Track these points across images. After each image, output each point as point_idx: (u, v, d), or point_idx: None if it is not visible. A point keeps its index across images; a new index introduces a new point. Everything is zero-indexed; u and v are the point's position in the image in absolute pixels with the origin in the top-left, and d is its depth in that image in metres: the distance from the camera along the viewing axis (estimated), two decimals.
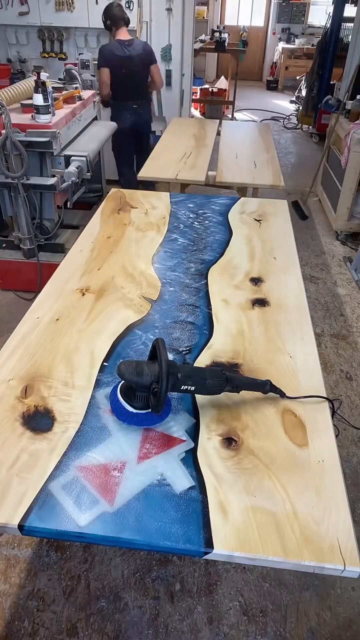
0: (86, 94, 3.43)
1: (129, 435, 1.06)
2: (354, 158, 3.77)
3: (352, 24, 5.82)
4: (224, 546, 0.85)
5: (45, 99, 2.69)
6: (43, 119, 2.71)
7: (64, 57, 4.89)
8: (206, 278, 1.67)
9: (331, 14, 6.28)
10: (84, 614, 1.61)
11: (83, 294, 1.55)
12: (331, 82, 6.49)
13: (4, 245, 3.15)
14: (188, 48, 5.04)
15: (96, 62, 3.80)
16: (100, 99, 3.77)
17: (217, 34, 7.14)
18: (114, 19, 3.61)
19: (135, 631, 1.57)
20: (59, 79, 3.50)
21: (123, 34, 3.67)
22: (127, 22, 3.68)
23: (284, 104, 8.93)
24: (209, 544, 0.86)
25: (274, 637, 1.58)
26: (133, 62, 3.68)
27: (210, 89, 7.72)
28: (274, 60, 10.46)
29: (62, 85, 3.33)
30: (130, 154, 4.11)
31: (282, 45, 10.01)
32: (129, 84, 3.76)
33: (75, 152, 2.90)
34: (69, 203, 2.94)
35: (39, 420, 1.09)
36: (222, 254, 1.83)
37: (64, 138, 2.88)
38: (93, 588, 1.67)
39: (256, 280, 1.66)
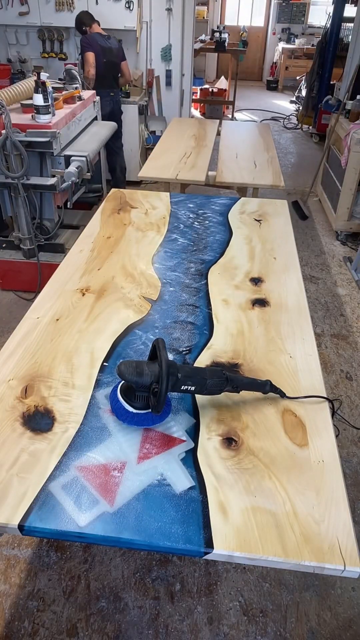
0: (86, 94, 3.44)
1: (129, 435, 1.06)
2: (354, 158, 3.77)
3: (352, 24, 5.83)
4: (224, 546, 0.85)
5: (45, 99, 2.69)
6: (43, 119, 2.71)
7: (64, 57, 4.90)
8: (206, 278, 1.67)
9: (331, 14, 6.28)
10: (84, 614, 1.61)
11: (83, 294, 1.55)
12: (331, 82, 6.49)
13: (4, 245, 3.15)
14: (188, 48, 5.05)
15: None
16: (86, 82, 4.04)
17: (217, 34, 7.14)
18: (86, 19, 4.05)
19: (135, 631, 1.57)
20: (59, 79, 3.50)
21: (98, 29, 4.09)
22: (95, 20, 4.09)
23: (284, 104, 8.93)
24: (209, 544, 0.86)
25: (274, 637, 1.58)
26: (112, 53, 4.10)
27: (210, 89, 7.72)
28: (274, 61, 10.47)
29: (62, 85, 3.33)
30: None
31: (282, 45, 10.01)
32: (108, 73, 4.13)
33: (75, 152, 2.90)
34: (69, 203, 2.94)
35: (39, 420, 1.09)
36: (222, 254, 1.83)
37: (64, 138, 2.88)
38: (93, 588, 1.67)
39: (256, 280, 1.67)
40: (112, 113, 4.26)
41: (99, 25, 4.12)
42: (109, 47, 4.06)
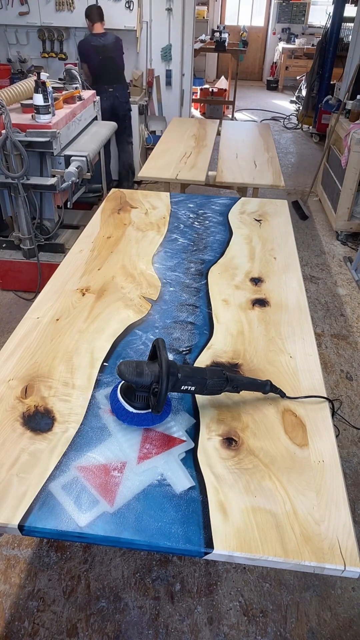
0: (86, 94, 3.44)
1: (129, 435, 1.06)
2: (354, 158, 3.77)
3: (352, 24, 5.83)
4: (224, 546, 0.85)
5: (45, 99, 2.69)
6: (43, 119, 2.71)
7: (64, 57, 4.90)
8: (206, 278, 1.67)
9: (331, 14, 6.28)
10: (84, 614, 1.61)
11: (83, 294, 1.55)
12: (331, 82, 6.49)
13: (4, 245, 3.15)
14: (188, 48, 5.04)
15: None
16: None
17: (217, 34, 7.15)
18: (93, 15, 4.18)
19: (135, 631, 1.57)
20: (59, 79, 3.50)
21: (96, 29, 4.22)
22: (101, 20, 4.22)
23: (284, 104, 8.93)
24: (209, 544, 0.86)
25: (274, 637, 1.57)
26: (107, 49, 4.21)
27: (210, 89, 7.72)
28: (274, 60, 10.46)
29: (62, 85, 3.33)
30: None
31: (282, 45, 10.01)
32: (105, 69, 4.24)
33: (75, 152, 2.90)
34: (69, 203, 2.94)
35: (39, 420, 1.09)
36: (222, 254, 1.83)
37: (64, 138, 2.88)
38: (93, 588, 1.67)
39: (256, 280, 1.66)
40: (112, 108, 4.28)
41: (102, 24, 4.19)
42: (103, 44, 4.16)
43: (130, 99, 4.51)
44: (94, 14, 4.16)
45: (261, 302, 1.55)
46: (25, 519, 0.88)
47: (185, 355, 1.31)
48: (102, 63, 4.18)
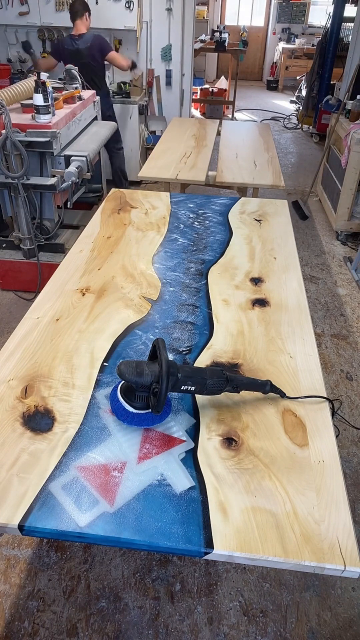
0: (86, 94, 3.44)
1: (129, 435, 1.06)
2: (354, 158, 3.77)
3: (352, 24, 5.83)
4: (224, 546, 0.85)
5: (45, 99, 2.69)
6: (43, 119, 2.71)
7: None
8: (206, 278, 1.67)
9: (331, 14, 6.28)
10: (84, 614, 1.61)
11: (83, 294, 1.55)
12: (331, 82, 6.49)
13: (4, 245, 3.15)
14: (188, 48, 5.04)
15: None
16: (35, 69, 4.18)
17: (217, 34, 7.15)
18: (73, 13, 3.93)
19: (135, 631, 1.57)
20: (59, 79, 3.50)
21: (76, 29, 3.96)
22: (80, 15, 3.91)
23: (284, 104, 8.93)
24: (209, 544, 0.86)
25: (274, 637, 1.57)
26: (81, 54, 3.91)
27: (210, 89, 7.72)
28: (274, 60, 10.46)
29: (62, 85, 3.33)
30: None
31: (282, 45, 10.01)
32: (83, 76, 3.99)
33: (75, 152, 2.90)
34: (69, 203, 2.94)
35: (39, 420, 1.09)
36: (222, 254, 1.83)
37: (64, 138, 2.88)
38: (93, 588, 1.67)
39: (256, 280, 1.66)
40: None
41: (83, 21, 3.92)
42: (76, 49, 3.87)
43: (112, 106, 4.30)
44: (72, 10, 3.85)
45: (261, 302, 1.55)
46: (25, 519, 0.88)
47: (185, 355, 1.31)
48: (79, 70, 3.87)
